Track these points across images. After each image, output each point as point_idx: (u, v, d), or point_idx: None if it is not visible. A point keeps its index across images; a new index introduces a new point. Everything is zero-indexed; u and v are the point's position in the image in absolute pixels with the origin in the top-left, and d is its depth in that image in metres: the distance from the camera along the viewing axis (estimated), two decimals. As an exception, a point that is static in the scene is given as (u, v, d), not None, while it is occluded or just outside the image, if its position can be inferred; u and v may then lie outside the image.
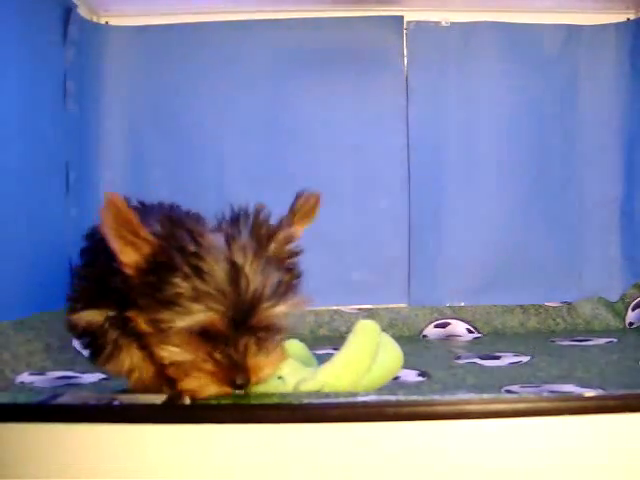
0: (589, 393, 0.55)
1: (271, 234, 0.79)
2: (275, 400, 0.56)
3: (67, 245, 1.59)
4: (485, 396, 0.55)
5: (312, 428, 0.53)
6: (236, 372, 0.65)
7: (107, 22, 1.83)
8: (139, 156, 1.81)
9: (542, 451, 0.54)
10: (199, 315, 0.65)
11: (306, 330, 1.71)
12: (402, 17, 1.82)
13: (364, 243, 1.79)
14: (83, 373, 1.19)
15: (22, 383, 1.12)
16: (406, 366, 0.96)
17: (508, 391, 0.98)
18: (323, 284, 1.76)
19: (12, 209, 1.32)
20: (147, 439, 0.53)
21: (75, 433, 0.53)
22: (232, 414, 0.55)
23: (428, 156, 1.81)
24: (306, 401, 0.55)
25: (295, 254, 0.81)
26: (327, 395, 0.59)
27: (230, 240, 0.72)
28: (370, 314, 1.72)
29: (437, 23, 1.82)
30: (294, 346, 0.86)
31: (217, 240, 0.72)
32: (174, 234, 0.71)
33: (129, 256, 0.69)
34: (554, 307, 1.76)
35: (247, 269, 0.69)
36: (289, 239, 0.82)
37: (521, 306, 1.76)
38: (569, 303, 1.77)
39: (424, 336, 1.71)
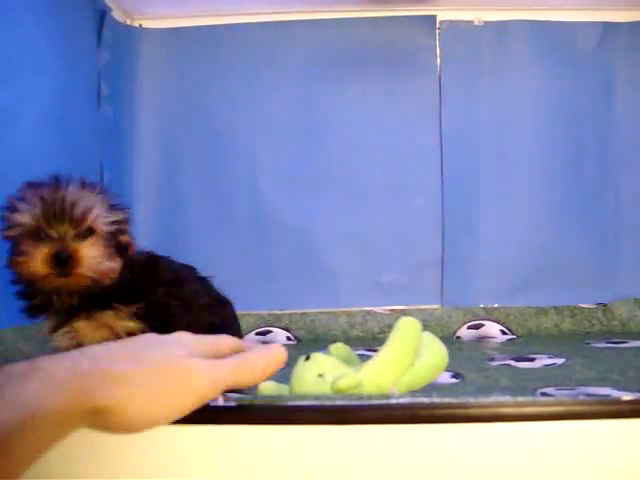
0: (626, 396, 0.54)
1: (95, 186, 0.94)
2: (308, 401, 0.56)
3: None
4: (520, 399, 0.54)
5: (344, 430, 0.53)
6: (56, 249, 0.84)
7: (140, 25, 1.85)
8: (172, 156, 1.83)
9: (578, 455, 0.53)
10: (26, 213, 0.86)
11: (338, 331, 1.71)
12: (435, 17, 1.81)
13: (397, 244, 1.78)
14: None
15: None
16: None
17: (543, 394, 0.97)
18: (356, 285, 1.76)
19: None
20: (183, 440, 0.53)
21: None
22: (262, 415, 0.55)
23: (461, 156, 1.79)
24: (339, 402, 0.54)
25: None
26: (360, 397, 0.58)
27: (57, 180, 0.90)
28: (403, 315, 1.71)
29: (470, 22, 1.81)
30: (338, 348, 0.86)
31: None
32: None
33: None
34: (589, 308, 1.73)
35: (64, 188, 0.88)
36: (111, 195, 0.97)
37: (555, 307, 1.74)
38: (604, 304, 1.74)
39: (457, 337, 1.70)
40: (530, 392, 0.97)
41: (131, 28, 1.83)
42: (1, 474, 0.42)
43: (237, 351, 0.58)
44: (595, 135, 1.79)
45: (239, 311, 1.74)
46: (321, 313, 1.75)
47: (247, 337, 1.68)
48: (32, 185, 0.90)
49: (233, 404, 0.55)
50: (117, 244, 0.94)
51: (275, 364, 0.57)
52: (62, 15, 1.43)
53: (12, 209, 0.88)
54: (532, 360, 1.31)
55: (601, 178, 1.79)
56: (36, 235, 0.85)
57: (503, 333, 1.70)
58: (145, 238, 1.79)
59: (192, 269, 1.22)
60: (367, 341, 1.63)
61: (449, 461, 0.51)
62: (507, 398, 0.55)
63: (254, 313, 1.73)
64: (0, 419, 0.42)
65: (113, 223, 0.92)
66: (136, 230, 1.79)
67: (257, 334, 1.69)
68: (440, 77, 1.80)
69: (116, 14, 1.73)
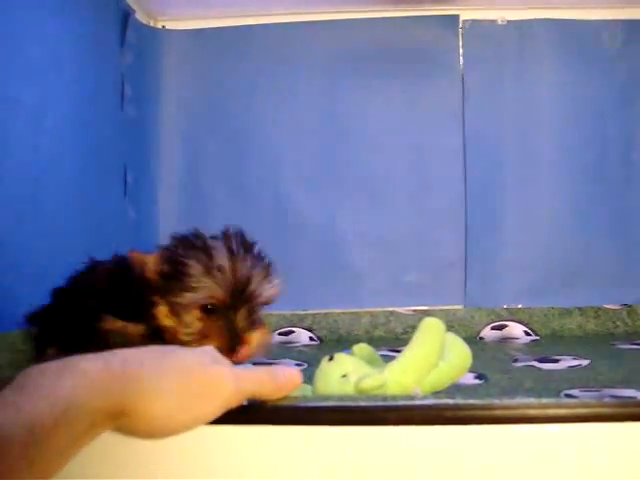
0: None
1: (251, 243, 0.99)
2: (331, 402, 0.56)
3: (125, 246, 1.61)
4: (545, 400, 0.54)
5: (367, 431, 0.53)
6: (235, 341, 0.83)
7: (164, 26, 1.86)
8: (196, 157, 1.83)
9: (604, 458, 0.53)
10: (206, 289, 0.84)
11: (361, 331, 1.71)
12: (458, 16, 1.80)
13: (420, 244, 1.78)
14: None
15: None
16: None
17: (568, 395, 0.96)
18: (378, 285, 1.76)
19: (71, 211, 1.35)
20: (204, 440, 0.53)
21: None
22: (285, 415, 0.55)
23: (484, 156, 1.79)
24: (362, 403, 0.54)
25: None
26: (384, 398, 0.58)
27: (226, 240, 0.97)
28: (426, 315, 1.71)
29: (493, 21, 1.80)
30: (362, 348, 0.86)
31: (216, 242, 0.95)
32: (182, 241, 0.97)
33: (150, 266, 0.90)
34: (614, 309, 1.72)
35: (240, 258, 0.91)
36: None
37: (579, 308, 1.72)
38: (629, 305, 1.72)
39: (480, 338, 1.70)
40: (554, 394, 0.97)
41: (154, 29, 1.84)
42: (34, 469, 0.43)
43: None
44: (620, 135, 1.77)
45: (262, 311, 1.75)
46: (344, 313, 1.75)
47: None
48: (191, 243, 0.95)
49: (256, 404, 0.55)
50: None
51: (293, 384, 0.58)
52: (86, 17, 1.44)
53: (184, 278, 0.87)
54: (556, 361, 1.30)
55: (625, 178, 1.77)
56: (215, 315, 0.86)
57: (527, 334, 1.69)
58: (169, 237, 1.81)
59: None
60: (390, 342, 1.63)
61: (473, 463, 0.51)
62: (532, 400, 0.54)
63: (276, 313, 1.73)
64: (35, 412, 0.43)
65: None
66: (161, 231, 1.81)
67: (280, 334, 1.69)
68: (463, 77, 1.80)
69: (140, 16, 1.74)
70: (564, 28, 1.78)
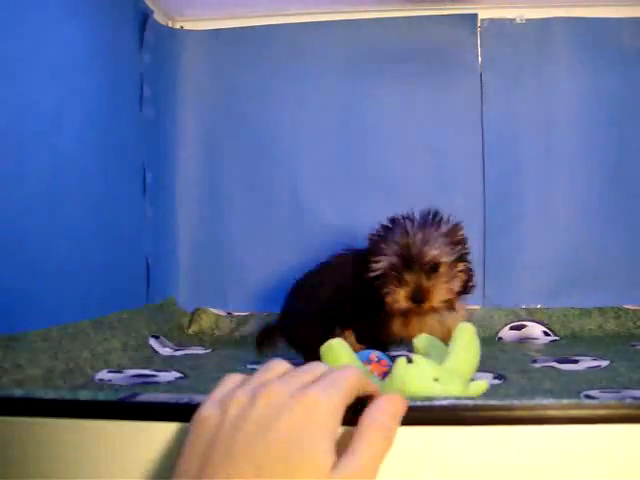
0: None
1: (439, 222, 1.18)
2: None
3: (144, 244, 1.63)
4: (565, 401, 0.53)
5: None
6: (413, 290, 1.12)
7: (182, 27, 1.87)
8: (213, 157, 1.84)
9: (624, 459, 0.52)
10: (387, 259, 1.14)
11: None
12: (476, 15, 1.80)
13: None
14: (159, 372, 1.22)
15: (101, 380, 1.14)
16: (482, 368, 0.94)
17: (587, 396, 0.96)
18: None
19: (91, 210, 1.36)
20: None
21: (155, 431, 0.54)
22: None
23: (503, 155, 1.78)
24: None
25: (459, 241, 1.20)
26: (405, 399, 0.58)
27: (406, 222, 1.18)
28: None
29: (512, 20, 1.79)
30: (421, 340, 0.91)
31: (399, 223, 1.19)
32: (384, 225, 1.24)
33: None
34: (634, 310, 1.70)
35: (412, 232, 1.15)
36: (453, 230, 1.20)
37: (599, 308, 1.71)
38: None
39: (499, 338, 1.69)
40: (574, 394, 0.96)
41: (173, 30, 1.85)
42: None
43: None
44: (639, 135, 1.76)
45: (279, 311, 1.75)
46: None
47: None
48: (387, 227, 1.20)
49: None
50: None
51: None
52: (105, 18, 1.45)
53: (375, 255, 1.17)
54: (576, 362, 1.29)
55: (646, 177, 1.76)
56: (396, 278, 1.13)
57: (546, 334, 1.68)
58: (187, 238, 1.82)
59: None
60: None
61: (492, 463, 0.51)
62: (551, 401, 0.54)
63: (294, 313, 1.74)
64: None
65: (454, 256, 1.16)
66: (179, 230, 1.81)
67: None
68: (481, 76, 1.79)
69: (158, 16, 1.75)
70: (583, 26, 1.77)
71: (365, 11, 1.81)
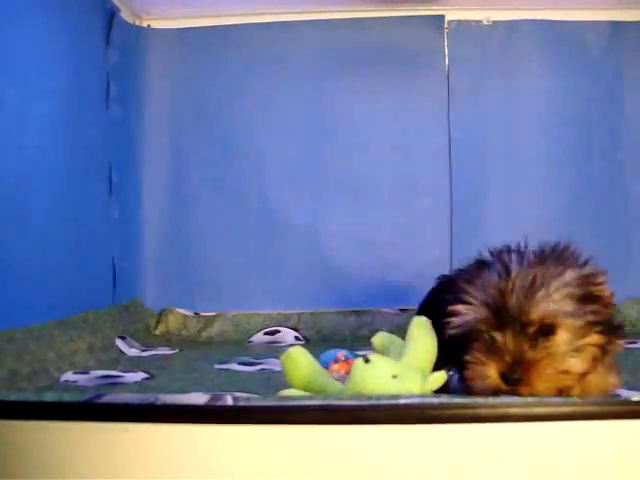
0: (636, 397, 0.54)
1: (565, 263, 0.81)
2: (317, 401, 0.56)
3: (110, 245, 1.61)
4: (529, 399, 0.54)
5: (355, 430, 0.53)
6: (508, 365, 0.69)
7: (149, 25, 1.85)
8: (180, 156, 1.83)
9: (587, 455, 0.53)
10: (473, 310, 0.74)
11: (347, 330, 1.71)
12: (443, 16, 1.81)
13: (405, 243, 1.78)
14: (126, 372, 1.21)
15: (66, 382, 1.13)
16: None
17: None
18: (364, 285, 1.76)
19: (56, 210, 1.34)
20: (190, 439, 0.53)
21: (119, 432, 0.54)
22: (263, 414, 0.55)
23: (469, 156, 1.79)
24: (349, 403, 0.54)
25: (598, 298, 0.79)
26: (369, 397, 0.58)
27: (511, 256, 0.79)
28: (411, 315, 1.71)
29: (478, 22, 1.80)
30: (379, 338, 0.90)
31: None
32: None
33: None
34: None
35: (515, 276, 0.74)
36: (590, 279, 0.81)
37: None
38: (614, 305, 1.73)
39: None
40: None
41: (140, 28, 1.83)
42: None
43: None
44: (604, 134, 1.78)
45: (248, 311, 1.75)
46: (329, 313, 1.75)
47: (255, 337, 1.68)
48: (478, 269, 0.81)
49: (243, 404, 0.55)
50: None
51: None
52: (71, 16, 1.44)
53: (454, 312, 0.77)
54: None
55: (611, 177, 1.78)
56: (486, 341, 0.74)
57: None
58: (154, 239, 1.81)
59: None
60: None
61: (458, 460, 0.51)
62: (516, 399, 0.55)
63: (262, 313, 1.73)
64: None
65: (587, 311, 0.75)
66: (145, 230, 1.80)
67: (266, 334, 1.69)
68: (448, 77, 1.80)
69: (125, 15, 1.74)
70: (549, 29, 1.79)
71: (332, 11, 1.81)
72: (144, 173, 1.81)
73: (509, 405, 0.54)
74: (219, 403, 0.54)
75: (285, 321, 1.73)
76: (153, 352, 1.48)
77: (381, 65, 1.81)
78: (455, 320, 0.76)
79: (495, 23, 1.80)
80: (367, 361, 0.74)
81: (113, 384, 1.13)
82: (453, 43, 1.81)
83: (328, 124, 1.81)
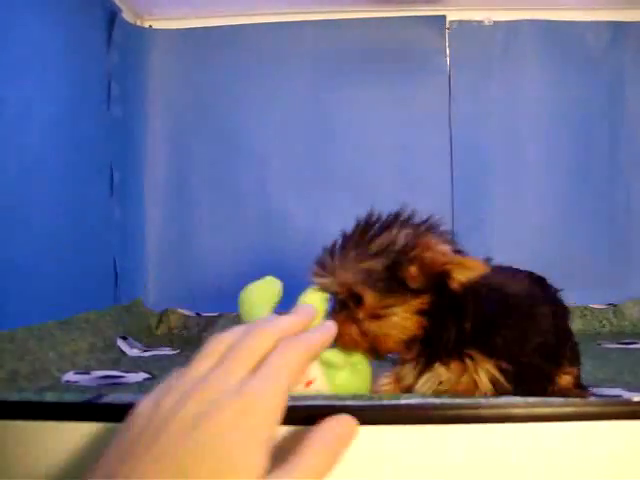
0: (637, 397, 0.54)
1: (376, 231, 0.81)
2: (313, 401, 0.56)
3: (111, 245, 1.61)
4: (531, 400, 0.54)
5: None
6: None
7: (150, 26, 1.85)
8: (181, 157, 1.83)
9: (589, 456, 0.53)
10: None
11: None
12: (444, 17, 1.81)
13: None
14: (127, 373, 1.21)
15: (67, 382, 1.13)
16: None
17: (553, 394, 0.96)
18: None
19: (57, 210, 1.34)
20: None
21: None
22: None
23: (470, 156, 1.79)
24: (350, 403, 0.54)
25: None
26: (370, 397, 0.58)
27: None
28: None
29: (480, 22, 1.81)
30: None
31: None
32: None
33: None
34: (600, 309, 1.72)
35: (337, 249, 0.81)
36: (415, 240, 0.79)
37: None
38: (615, 305, 1.73)
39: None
40: (540, 393, 0.97)
41: (141, 29, 1.84)
42: None
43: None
44: (605, 135, 1.79)
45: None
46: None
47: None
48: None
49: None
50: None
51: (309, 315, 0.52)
52: (73, 16, 1.44)
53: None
54: (542, 361, 1.29)
55: (612, 178, 1.78)
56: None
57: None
58: (155, 239, 1.81)
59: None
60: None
61: (459, 462, 0.51)
62: (518, 399, 0.55)
63: (264, 313, 1.73)
64: None
65: (393, 264, 0.74)
66: (147, 231, 1.80)
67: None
68: (450, 77, 1.80)
69: (126, 15, 1.74)
70: (550, 29, 1.79)
71: (334, 12, 1.81)
72: (145, 173, 1.82)
73: (512, 406, 0.54)
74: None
75: (286, 321, 1.73)
76: (154, 352, 1.48)
77: (382, 65, 1.81)
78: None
79: (496, 23, 1.80)
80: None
81: (114, 384, 1.13)
82: (454, 43, 1.81)
83: (329, 124, 1.81)
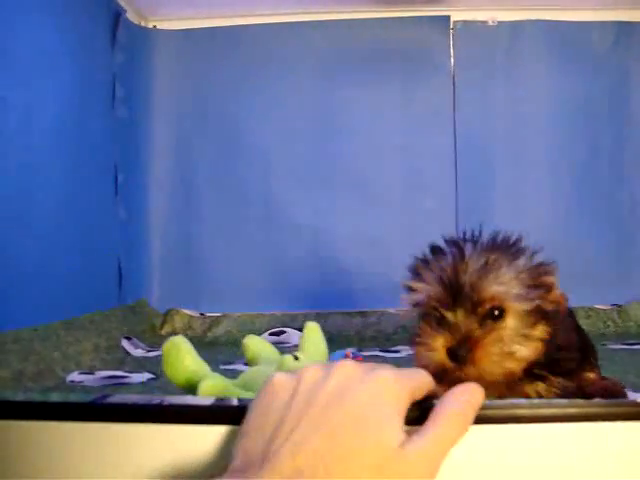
0: (643, 398, 0.54)
1: (516, 251, 0.79)
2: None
3: (116, 245, 1.62)
4: (535, 401, 0.54)
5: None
6: (455, 341, 0.69)
7: (155, 26, 1.86)
8: (186, 157, 1.83)
9: (594, 457, 0.53)
10: (419, 292, 0.76)
11: (352, 331, 1.71)
12: (449, 17, 1.81)
13: (411, 244, 1.76)
14: (131, 373, 1.21)
15: (72, 382, 1.13)
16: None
17: (558, 395, 0.96)
18: (370, 285, 1.76)
19: (62, 210, 1.34)
20: (195, 440, 0.53)
21: (125, 432, 0.54)
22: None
23: (475, 156, 1.79)
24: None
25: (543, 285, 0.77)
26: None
27: (466, 243, 0.79)
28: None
29: (484, 22, 1.80)
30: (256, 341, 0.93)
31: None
32: None
33: None
34: (604, 309, 1.72)
35: (469, 258, 0.74)
36: (540, 269, 0.79)
37: (570, 308, 1.72)
38: (620, 305, 1.73)
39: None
40: (545, 393, 0.97)
41: (145, 29, 1.84)
42: None
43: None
44: (610, 135, 1.78)
45: (253, 312, 1.75)
46: (335, 313, 1.74)
47: (261, 337, 1.68)
48: (433, 254, 0.81)
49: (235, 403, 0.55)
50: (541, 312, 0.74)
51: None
52: (77, 17, 1.44)
53: (409, 288, 0.80)
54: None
55: (616, 178, 1.78)
56: (437, 318, 0.73)
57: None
58: (160, 239, 1.81)
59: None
60: (381, 342, 1.63)
61: (463, 462, 0.51)
62: (522, 400, 0.55)
63: (268, 313, 1.73)
64: None
65: (535, 297, 0.73)
66: (151, 231, 1.80)
67: (271, 334, 1.69)
68: (454, 77, 1.80)
69: (131, 16, 1.74)
70: (554, 29, 1.79)
71: (338, 12, 1.81)
72: (150, 174, 1.82)
73: (516, 407, 0.54)
74: (225, 403, 0.54)
75: (290, 322, 1.73)
76: (159, 352, 1.47)
77: (386, 65, 1.81)
78: (409, 297, 0.78)
79: (501, 23, 1.80)
80: (296, 358, 0.78)
81: (119, 384, 1.13)
82: (459, 43, 1.80)
83: (333, 124, 1.81)
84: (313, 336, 0.93)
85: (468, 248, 0.77)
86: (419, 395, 0.50)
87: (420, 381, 0.51)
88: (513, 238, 0.81)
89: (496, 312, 0.70)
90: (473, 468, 0.52)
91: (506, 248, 0.78)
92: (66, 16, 1.39)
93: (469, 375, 0.67)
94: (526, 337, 0.70)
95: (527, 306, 0.71)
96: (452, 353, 0.68)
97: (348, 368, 0.49)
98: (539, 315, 0.72)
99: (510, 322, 0.70)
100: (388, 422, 0.46)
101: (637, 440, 0.53)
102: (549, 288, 0.75)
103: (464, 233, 0.82)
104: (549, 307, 0.73)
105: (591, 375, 0.78)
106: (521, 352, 0.69)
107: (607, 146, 1.78)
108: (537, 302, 0.72)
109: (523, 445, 0.53)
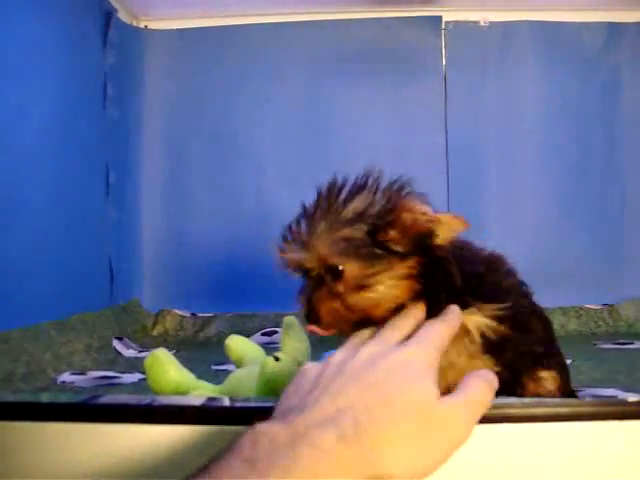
0: (633, 398, 0.54)
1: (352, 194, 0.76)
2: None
3: (107, 245, 1.61)
4: (527, 400, 0.54)
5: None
6: (304, 306, 0.74)
7: (146, 26, 1.85)
8: (178, 157, 1.83)
9: (584, 456, 0.53)
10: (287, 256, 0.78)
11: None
12: (440, 17, 1.81)
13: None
14: (123, 373, 1.21)
15: (63, 383, 1.13)
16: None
17: (549, 395, 0.96)
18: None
19: (53, 210, 1.34)
20: (186, 440, 0.53)
21: (116, 433, 0.54)
22: (260, 415, 0.55)
23: (466, 156, 1.79)
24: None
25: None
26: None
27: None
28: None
29: (476, 23, 1.81)
30: (237, 342, 0.93)
31: None
32: None
33: None
34: (595, 309, 1.72)
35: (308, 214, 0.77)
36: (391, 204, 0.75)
37: (561, 308, 1.73)
38: (611, 305, 1.73)
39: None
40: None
41: (137, 29, 1.83)
42: None
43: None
44: (601, 135, 1.79)
45: (245, 312, 1.75)
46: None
47: (253, 337, 1.68)
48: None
49: (240, 405, 0.55)
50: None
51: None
52: (68, 16, 1.44)
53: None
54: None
55: (607, 178, 1.78)
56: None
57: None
58: (151, 239, 1.81)
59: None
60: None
61: (455, 462, 0.51)
62: (513, 399, 0.55)
63: (260, 314, 1.73)
64: None
65: (380, 240, 0.69)
66: (142, 231, 1.80)
67: (263, 334, 1.69)
68: (445, 78, 1.80)
69: (122, 15, 1.73)
70: (546, 30, 1.79)
71: (330, 12, 1.81)
72: (141, 174, 1.81)
73: (507, 406, 0.54)
74: (216, 404, 0.54)
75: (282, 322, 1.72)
76: (150, 353, 1.47)
77: (378, 66, 1.81)
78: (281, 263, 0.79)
79: (492, 24, 1.80)
80: (277, 359, 0.77)
81: (110, 385, 1.12)
82: (450, 44, 1.81)
83: (325, 124, 1.81)
84: (292, 332, 0.94)
85: (309, 207, 0.77)
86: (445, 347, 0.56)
87: (444, 338, 0.57)
88: (352, 180, 0.78)
89: (334, 270, 0.69)
90: (465, 468, 0.52)
91: (334, 198, 0.76)
92: (57, 15, 1.38)
93: (324, 329, 0.70)
94: (366, 286, 0.67)
95: (366, 257, 0.68)
96: (306, 316, 0.72)
97: (372, 346, 0.54)
98: (395, 254, 0.68)
99: (348, 274, 0.68)
100: (426, 376, 0.50)
101: (627, 439, 0.54)
102: (395, 223, 0.70)
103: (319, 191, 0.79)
104: (403, 243, 0.69)
105: (544, 374, 0.76)
106: (364, 300, 0.67)
107: (598, 146, 1.79)
108: (384, 244, 0.68)
109: (514, 444, 0.53)
